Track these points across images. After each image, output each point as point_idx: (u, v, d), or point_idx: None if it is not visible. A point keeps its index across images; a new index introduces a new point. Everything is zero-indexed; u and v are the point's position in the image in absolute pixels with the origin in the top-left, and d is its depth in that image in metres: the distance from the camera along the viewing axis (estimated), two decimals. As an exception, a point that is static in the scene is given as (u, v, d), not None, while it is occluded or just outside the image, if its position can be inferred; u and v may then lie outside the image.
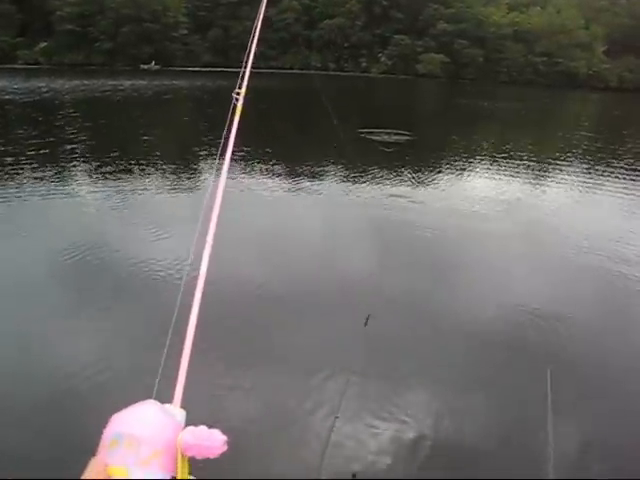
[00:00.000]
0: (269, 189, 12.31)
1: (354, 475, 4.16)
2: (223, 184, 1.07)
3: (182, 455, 0.70)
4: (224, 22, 67.37)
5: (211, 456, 0.72)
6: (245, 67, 2.01)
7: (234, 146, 1.58)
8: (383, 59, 70.16)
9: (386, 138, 19.06)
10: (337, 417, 3.91)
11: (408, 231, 9.79)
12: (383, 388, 5.21)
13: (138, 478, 0.63)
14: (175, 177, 13.34)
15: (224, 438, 0.72)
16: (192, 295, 1.16)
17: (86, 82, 39.35)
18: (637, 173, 16.28)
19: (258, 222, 9.91)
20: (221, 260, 8.21)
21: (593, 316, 6.97)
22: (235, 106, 1.59)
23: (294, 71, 63.65)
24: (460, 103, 41.36)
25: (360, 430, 4.55)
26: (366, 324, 5.88)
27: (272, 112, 28.37)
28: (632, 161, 18.25)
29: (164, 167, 14.40)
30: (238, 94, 1.62)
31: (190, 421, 0.85)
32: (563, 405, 4.88)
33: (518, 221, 10.95)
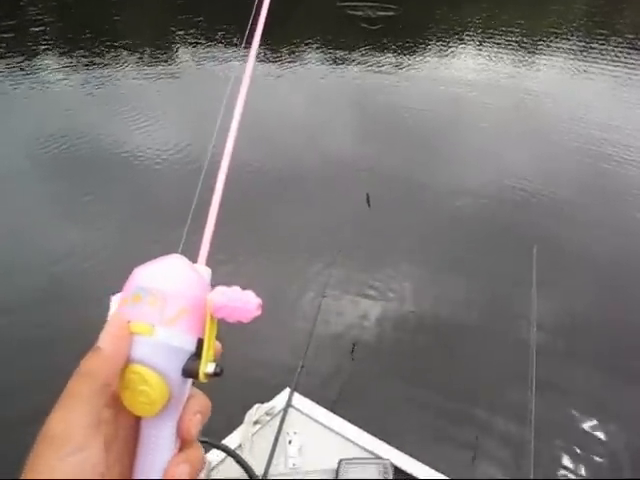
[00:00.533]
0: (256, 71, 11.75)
1: (354, 345, 4.50)
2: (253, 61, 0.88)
3: (211, 317, 0.62)
4: None
5: (244, 320, 0.63)
6: None
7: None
8: None
9: (370, 13, 18.04)
10: (324, 296, 3.91)
11: (398, 109, 9.61)
12: (371, 265, 5.44)
13: (163, 338, 0.58)
14: (153, 60, 12.63)
15: (259, 301, 0.63)
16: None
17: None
18: (636, 50, 15.65)
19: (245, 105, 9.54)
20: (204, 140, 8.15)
21: (580, 196, 7.07)
22: None
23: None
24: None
25: (346, 306, 4.90)
26: (369, 204, 5.74)
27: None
28: (631, 37, 17.49)
29: (142, 49, 13.57)
30: None
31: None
32: (548, 282, 5.00)
33: (509, 99, 10.68)
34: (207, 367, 0.61)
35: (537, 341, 3.09)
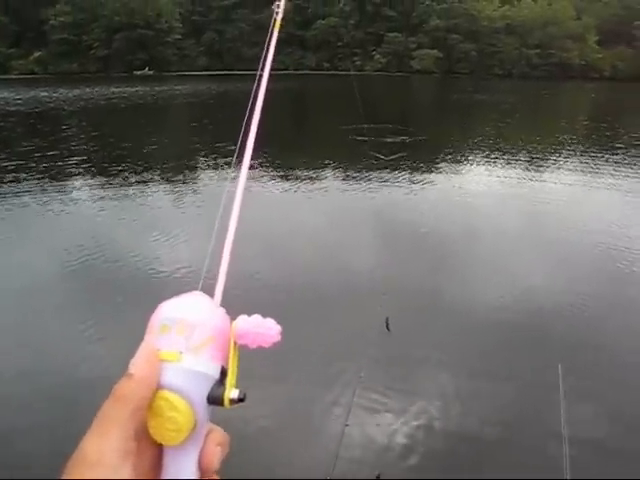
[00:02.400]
0: (269, 190, 12.50)
1: (378, 475, 4.12)
2: (245, 173, 0.91)
3: (235, 343, 0.68)
4: (218, 26, 67.64)
5: (265, 345, 0.69)
6: None
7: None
8: (377, 57, 70.37)
9: (382, 140, 19.11)
10: (347, 425, 3.92)
11: (412, 227, 9.96)
12: (394, 389, 5.22)
13: (190, 365, 0.63)
14: (183, 184, 13.64)
15: (279, 328, 0.69)
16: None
17: (87, 90, 39.58)
18: (632, 160, 16.56)
19: (262, 223, 9.82)
20: (235, 260, 8.48)
21: (600, 301, 7.15)
22: (275, 20, 1.31)
23: (288, 71, 63.79)
24: (456, 98, 41.54)
25: (369, 432, 4.61)
26: (388, 328, 5.84)
27: (268, 113, 28.53)
28: (627, 149, 18.56)
29: (173, 175, 14.67)
30: (278, 6, 1.32)
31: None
32: (575, 393, 4.99)
33: (522, 209, 11.23)
34: (231, 393, 0.65)
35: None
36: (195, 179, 14.03)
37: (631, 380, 5.46)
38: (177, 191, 12.61)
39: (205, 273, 0.86)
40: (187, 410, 0.60)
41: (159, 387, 0.60)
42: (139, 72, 61.00)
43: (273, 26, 1.56)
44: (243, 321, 0.69)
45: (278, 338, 0.70)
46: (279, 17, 1.55)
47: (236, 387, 0.66)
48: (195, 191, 12.58)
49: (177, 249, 8.68)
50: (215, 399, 0.64)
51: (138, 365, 0.60)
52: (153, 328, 0.65)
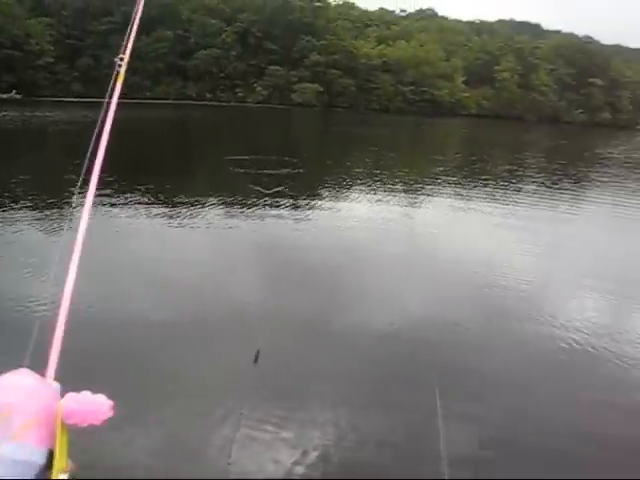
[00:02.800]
0: (148, 222, 11.93)
1: None
2: (91, 199, 0.99)
3: (62, 424, 0.63)
4: (94, 51, 65.19)
5: (96, 422, 0.66)
6: (130, 30, 1.90)
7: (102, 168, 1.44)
8: (259, 89, 71.01)
9: (265, 172, 19.00)
10: (229, 463, 3.81)
11: (294, 257, 9.88)
12: (274, 421, 5.09)
13: (8, 453, 0.58)
14: (34, 213, 12.63)
15: (110, 402, 0.67)
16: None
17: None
18: (500, 190, 17.69)
19: (140, 255, 9.60)
20: (107, 292, 7.86)
21: (474, 325, 7.37)
22: (118, 73, 1.48)
23: (169, 101, 62.67)
24: (337, 130, 42.74)
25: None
26: (256, 361, 5.73)
27: (146, 144, 27.74)
28: (495, 180, 19.86)
29: (23, 203, 13.56)
30: (121, 59, 1.53)
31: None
32: (453, 414, 5.15)
33: (402, 239, 11.46)
34: (59, 477, 0.62)
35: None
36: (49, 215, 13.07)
37: (504, 400, 5.63)
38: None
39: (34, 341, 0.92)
40: None
41: None
42: (5, 95, 57.19)
43: (116, 79, 1.52)
44: (71, 399, 0.65)
45: (110, 414, 0.67)
46: (122, 70, 1.53)
47: (65, 471, 0.61)
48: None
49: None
50: None
51: None
52: None
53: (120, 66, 1.42)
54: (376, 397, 5.60)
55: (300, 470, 4.44)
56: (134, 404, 4.97)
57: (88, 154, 1.08)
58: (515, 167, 24.61)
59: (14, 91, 58.36)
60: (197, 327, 6.88)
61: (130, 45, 1.71)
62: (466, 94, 77.38)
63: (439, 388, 4.88)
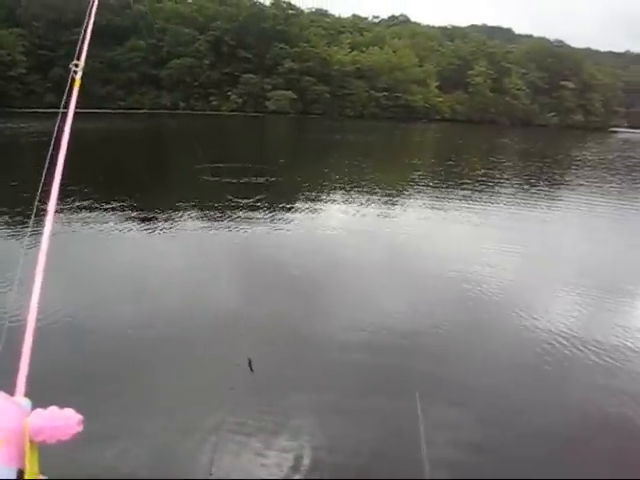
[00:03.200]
0: (125, 232, 11.76)
1: None
2: (52, 210, 1.07)
3: (31, 442, 0.62)
4: (67, 62, 63.96)
5: (64, 437, 0.65)
6: (84, 35, 1.87)
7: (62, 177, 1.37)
8: (233, 97, 70.86)
9: (239, 180, 18.82)
10: (211, 475, 3.81)
11: (274, 266, 9.76)
12: (261, 430, 5.08)
13: None
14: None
15: (80, 417, 0.65)
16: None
17: None
18: (478, 194, 17.80)
19: (117, 265, 9.46)
20: (83, 305, 7.69)
21: (456, 329, 7.39)
22: (74, 79, 1.51)
23: (144, 111, 62.18)
24: (310, 137, 42.80)
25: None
26: (251, 369, 5.74)
27: (120, 154, 27.43)
28: (472, 184, 19.99)
29: None
30: (77, 65, 1.56)
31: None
32: (433, 417, 5.12)
33: (381, 243, 11.47)
34: None
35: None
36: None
37: (484, 405, 5.65)
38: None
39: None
40: None
41: None
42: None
43: (72, 85, 1.48)
44: (38, 416, 0.63)
45: (78, 428, 0.64)
46: (78, 76, 1.49)
47: None
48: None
49: None
50: None
51: None
52: None
53: (75, 72, 1.40)
54: (360, 403, 5.58)
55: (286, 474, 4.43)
56: (112, 417, 4.93)
57: (46, 165, 1.05)
58: (491, 170, 24.86)
59: (-17, 103, 57.48)
60: (178, 337, 6.80)
61: (85, 50, 1.68)
62: (440, 99, 78.12)
63: (419, 393, 4.86)
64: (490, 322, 7.73)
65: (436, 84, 78.79)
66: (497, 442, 5.09)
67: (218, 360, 6.19)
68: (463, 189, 18.80)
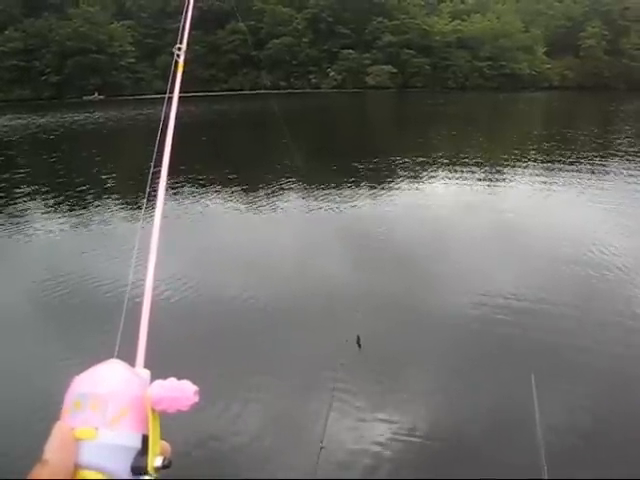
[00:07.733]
0: (232, 212, 12.21)
1: None
2: (163, 190, 1.09)
3: (152, 410, 0.66)
4: (172, 49, 67.04)
5: (183, 409, 0.68)
6: (185, 18, 1.91)
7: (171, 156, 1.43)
8: (332, 74, 70.78)
9: (346, 160, 18.87)
10: (322, 447, 3.86)
11: (379, 242, 9.81)
12: (371, 402, 5.21)
13: (107, 439, 0.61)
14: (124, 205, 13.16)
15: (195, 388, 0.69)
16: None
17: (34, 117, 38.62)
18: (588, 167, 16.73)
19: (230, 244, 9.86)
20: (196, 279, 8.10)
21: (571, 307, 7.12)
22: (177, 62, 1.50)
23: (245, 92, 63.64)
24: (412, 111, 41.96)
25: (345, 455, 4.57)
26: (360, 345, 5.88)
27: (225, 135, 28.29)
28: (585, 155, 18.80)
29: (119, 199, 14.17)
30: (179, 49, 1.54)
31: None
32: (550, 400, 4.95)
33: (486, 220, 11.18)
34: (155, 461, 0.63)
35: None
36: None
37: (604, 387, 5.48)
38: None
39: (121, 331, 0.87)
40: None
41: (78, 467, 0.58)
42: (89, 97, 60.09)
43: (175, 70, 1.52)
44: (158, 387, 0.67)
45: (195, 400, 0.68)
46: (181, 60, 1.53)
47: (160, 454, 0.63)
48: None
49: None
50: (139, 469, 0.61)
51: (52, 449, 0.57)
52: (67, 405, 0.63)
53: (179, 56, 1.48)
54: (469, 381, 5.55)
55: (392, 449, 4.51)
56: (225, 387, 5.21)
57: (155, 149, 1.14)
58: (610, 143, 23.06)
59: (96, 93, 61.31)
60: (290, 312, 7.08)
61: (186, 34, 1.71)
62: (548, 65, 73.70)
63: (535, 374, 4.73)
64: (608, 301, 7.36)
65: (543, 50, 74.36)
66: (616, 429, 4.88)
67: (328, 335, 6.34)
68: (573, 163, 17.70)
